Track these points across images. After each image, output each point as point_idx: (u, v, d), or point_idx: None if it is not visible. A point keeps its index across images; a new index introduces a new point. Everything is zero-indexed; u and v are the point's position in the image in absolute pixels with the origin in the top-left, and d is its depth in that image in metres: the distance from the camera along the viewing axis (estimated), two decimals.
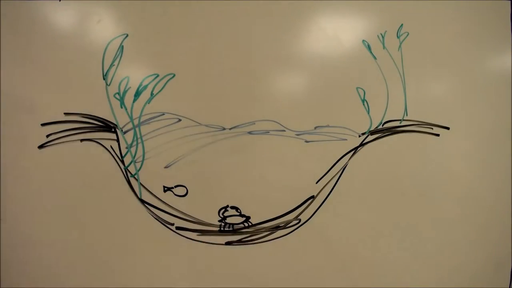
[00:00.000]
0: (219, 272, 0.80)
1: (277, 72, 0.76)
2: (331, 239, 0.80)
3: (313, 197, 0.78)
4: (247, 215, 0.78)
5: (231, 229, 0.78)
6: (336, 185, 0.78)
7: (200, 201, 0.77)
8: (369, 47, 0.76)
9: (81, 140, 0.75)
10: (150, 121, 0.75)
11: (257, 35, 0.75)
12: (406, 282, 0.82)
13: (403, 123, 0.78)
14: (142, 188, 0.76)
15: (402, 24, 0.76)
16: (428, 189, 0.80)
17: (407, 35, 0.76)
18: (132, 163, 0.76)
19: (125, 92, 0.74)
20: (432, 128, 0.78)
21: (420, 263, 0.82)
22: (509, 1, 0.79)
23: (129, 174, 0.76)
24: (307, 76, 0.77)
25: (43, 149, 0.75)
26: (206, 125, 0.75)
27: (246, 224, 0.78)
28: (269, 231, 0.79)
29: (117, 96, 0.74)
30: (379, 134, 0.77)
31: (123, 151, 0.76)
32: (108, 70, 0.74)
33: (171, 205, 0.77)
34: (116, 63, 0.74)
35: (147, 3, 0.74)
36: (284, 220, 0.78)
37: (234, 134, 0.75)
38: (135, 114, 0.75)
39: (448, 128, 0.78)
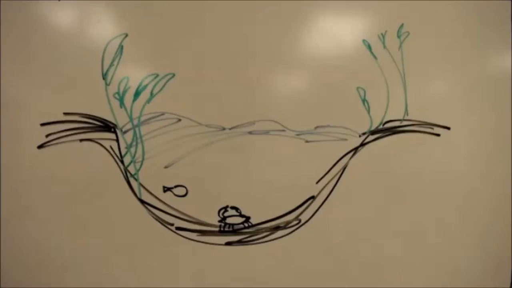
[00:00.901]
0: (219, 272, 0.80)
1: (277, 72, 0.76)
2: (331, 239, 0.80)
3: (313, 197, 0.78)
4: (247, 215, 0.78)
5: (231, 229, 0.78)
6: (337, 185, 0.78)
7: (200, 201, 0.77)
8: (369, 47, 0.76)
9: (81, 140, 0.75)
10: (150, 121, 0.75)
11: (257, 35, 0.75)
12: (406, 282, 0.81)
13: (404, 123, 0.77)
14: (141, 188, 0.76)
15: (402, 24, 0.76)
16: (429, 189, 0.80)
17: (408, 34, 0.76)
18: (132, 163, 0.76)
19: (124, 92, 0.74)
20: (433, 128, 0.78)
21: (420, 263, 0.82)
22: (510, 1, 0.79)
23: (128, 174, 0.76)
24: (307, 76, 0.77)
25: (42, 149, 0.75)
26: (206, 125, 0.75)
27: (246, 225, 0.78)
28: (269, 231, 0.79)
29: (116, 96, 0.74)
30: (380, 134, 0.77)
31: (123, 151, 0.76)
32: (107, 70, 0.74)
33: (171, 205, 0.77)
34: (115, 62, 0.74)
35: (147, 3, 0.74)
36: (284, 220, 0.78)
37: (234, 134, 0.75)
38: (135, 114, 0.74)
39: (448, 128, 0.78)
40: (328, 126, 0.76)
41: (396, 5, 0.76)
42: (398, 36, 0.76)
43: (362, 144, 0.77)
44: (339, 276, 0.81)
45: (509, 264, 0.84)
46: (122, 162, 0.76)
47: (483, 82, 0.80)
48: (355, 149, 0.77)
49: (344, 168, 0.78)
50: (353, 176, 0.78)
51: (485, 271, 0.84)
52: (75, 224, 0.78)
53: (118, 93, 0.74)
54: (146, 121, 0.75)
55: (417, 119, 0.78)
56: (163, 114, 0.74)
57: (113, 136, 0.75)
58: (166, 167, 0.75)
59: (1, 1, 0.74)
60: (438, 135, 0.78)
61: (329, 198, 0.78)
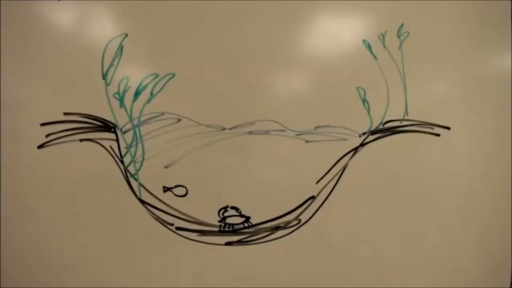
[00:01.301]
0: (219, 272, 0.80)
1: (277, 72, 0.76)
2: (331, 239, 0.80)
3: (313, 197, 0.78)
4: (247, 215, 0.78)
5: (231, 229, 0.78)
6: (337, 185, 0.78)
7: (200, 201, 0.77)
8: (369, 47, 0.76)
9: (81, 140, 0.75)
10: (150, 121, 0.75)
11: (257, 35, 0.75)
12: (406, 282, 0.81)
13: (404, 123, 0.77)
14: (141, 188, 0.76)
15: (402, 24, 0.76)
16: (429, 189, 0.80)
17: (408, 34, 0.76)
18: (132, 163, 0.76)
19: (124, 92, 0.74)
20: (433, 128, 0.78)
21: (420, 263, 0.82)
22: (510, 1, 0.79)
23: (128, 174, 0.76)
24: (307, 76, 0.77)
25: (42, 149, 0.75)
26: (206, 125, 0.75)
27: (246, 225, 0.78)
28: (269, 231, 0.79)
29: (116, 96, 0.74)
30: (380, 134, 0.77)
31: (123, 151, 0.76)
32: (107, 70, 0.74)
33: (171, 205, 0.77)
34: (115, 62, 0.74)
35: (147, 3, 0.74)
36: (284, 220, 0.78)
37: (234, 134, 0.75)
38: (135, 114, 0.74)
39: (448, 128, 0.78)
40: (328, 126, 0.76)
41: (396, 5, 0.76)
42: (398, 36, 0.76)
43: (362, 144, 0.77)
44: (339, 276, 0.81)
45: (509, 264, 0.84)
46: (122, 162, 0.76)
47: (483, 82, 0.80)
48: (355, 149, 0.77)
49: (344, 168, 0.78)
50: (353, 176, 0.77)
51: (485, 271, 0.84)
52: (75, 224, 0.78)
53: (118, 93, 0.74)
54: (146, 121, 0.75)
55: (417, 119, 0.78)
56: (163, 114, 0.74)
57: (113, 136, 0.75)
58: (166, 167, 0.75)
59: (1, 1, 0.74)
60: (438, 135, 0.78)
61: (329, 198, 0.78)
